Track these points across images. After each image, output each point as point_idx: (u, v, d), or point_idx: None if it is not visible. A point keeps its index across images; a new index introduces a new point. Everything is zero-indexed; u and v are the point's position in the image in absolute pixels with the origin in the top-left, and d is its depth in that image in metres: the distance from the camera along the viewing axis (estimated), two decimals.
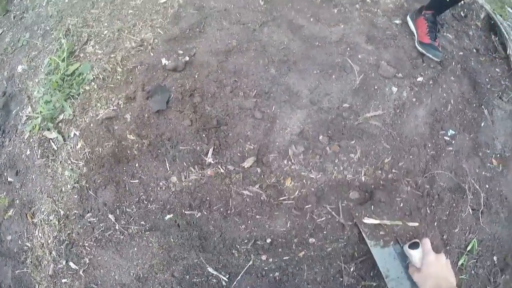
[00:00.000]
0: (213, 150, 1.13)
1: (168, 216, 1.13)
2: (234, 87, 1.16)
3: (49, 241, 1.26)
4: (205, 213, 1.09)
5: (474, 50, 1.52)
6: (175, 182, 1.14)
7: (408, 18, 1.41)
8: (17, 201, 1.35)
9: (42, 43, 1.76)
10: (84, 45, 1.58)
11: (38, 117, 1.40)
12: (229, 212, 1.09)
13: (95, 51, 1.51)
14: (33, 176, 1.35)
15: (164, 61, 1.30)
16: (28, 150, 1.40)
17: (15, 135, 1.47)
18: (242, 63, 1.22)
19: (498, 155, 1.32)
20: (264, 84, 1.18)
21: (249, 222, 1.07)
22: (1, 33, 2.06)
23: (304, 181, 1.11)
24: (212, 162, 1.12)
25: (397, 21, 1.41)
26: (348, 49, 1.26)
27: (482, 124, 1.33)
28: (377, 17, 1.40)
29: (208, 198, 1.10)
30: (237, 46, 1.24)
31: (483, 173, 1.25)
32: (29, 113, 1.47)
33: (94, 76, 1.40)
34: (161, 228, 1.11)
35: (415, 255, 0.74)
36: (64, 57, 1.50)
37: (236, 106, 1.14)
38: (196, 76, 1.22)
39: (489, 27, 1.66)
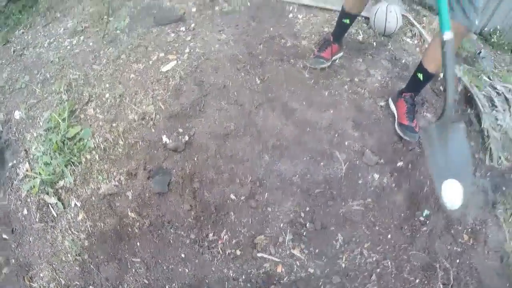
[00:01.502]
0: (212, 235, 1.16)
1: None
2: (231, 173, 1.20)
3: None
4: None
5: None
6: (178, 263, 1.17)
7: (390, 101, 1.48)
8: (13, 260, 1.31)
9: (42, 91, 1.73)
10: (85, 106, 1.57)
11: (36, 177, 1.38)
12: None
13: (95, 115, 1.50)
14: (31, 239, 1.33)
15: (165, 138, 1.32)
16: (25, 209, 1.37)
17: (11, 189, 1.44)
18: (239, 148, 1.26)
19: (470, 230, 1.40)
20: (259, 171, 1.22)
21: None
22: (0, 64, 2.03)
23: (293, 266, 1.16)
24: (211, 246, 1.16)
25: (382, 103, 1.47)
26: (336, 135, 1.31)
27: None
28: (364, 99, 1.46)
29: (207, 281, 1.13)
30: (234, 130, 1.28)
31: (455, 248, 1.32)
32: (27, 171, 1.44)
33: (95, 145, 1.40)
34: None
35: None
36: (65, 117, 1.49)
37: (233, 193, 1.18)
38: (196, 159, 1.25)
39: (465, 100, 1.74)
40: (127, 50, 1.69)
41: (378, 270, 1.15)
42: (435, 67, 1.27)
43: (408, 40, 1.88)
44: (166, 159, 1.25)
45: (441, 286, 1.22)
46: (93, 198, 1.28)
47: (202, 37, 1.68)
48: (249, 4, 1.88)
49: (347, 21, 1.46)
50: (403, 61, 1.71)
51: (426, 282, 1.21)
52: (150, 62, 1.61)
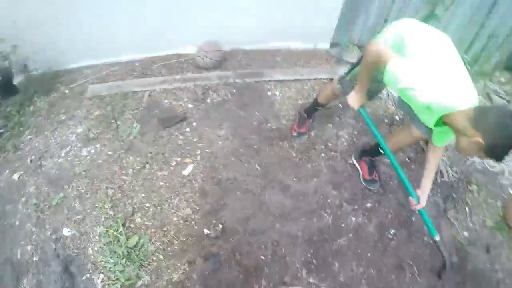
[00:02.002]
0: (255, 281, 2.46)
1: None
2: (258, 242, 2.48)
3: None
4: None
5: (407, 159, 2.88)
6: None
7: (353, 159, 2.75)
8: None
9: (82, 206, 2.72)
10: (131, 217, 2.79)
11: (116, 283, 2.44)
12: None
13: (144, 223, 2.69)
14: None
15: (206, 231, 2.58)
16: None
17: None
18: (258, 223, 2.53)
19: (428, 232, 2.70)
20: (275, 235, 2.50)
21: None
22: (19, 177, 2.89)
23: None
24: None
25: (350, 161, 2.75)
26: (321, 197, 2.59)
27: (413, 218, 2.70)
28: (337, 161, 2.72)
29: None
30: (252, 213, 2.55)
31: (418, 251, 2.62)
32: (104, 280, 2.46)
33: (155, 247, 2.61)
34: None
35: None
36: (121, 231, 2.58)
37: (262, 255, 2.46)
38: (232, 240, 2.52)
39: None
40: (149, 160, 2.91)
41: (366, 276, 2.44)
42: (393, 149, 2.48)
43: None
44: (212, 245, 2.52)
45: (409, 275, 2.52)
46: (169, 286, 2.55)
47: (206, 136, 2.92)
48: (234, 90, 3.13)
49: (320, 107, 2.71)
50: None
51: (399, 277, 2.51)
52: (172, 168, 2.84)
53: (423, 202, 2.12)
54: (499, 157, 1.51)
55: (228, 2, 3.21)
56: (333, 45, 3.57)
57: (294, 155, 2.78)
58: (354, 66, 2.29)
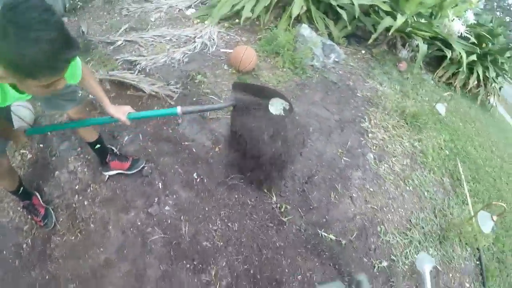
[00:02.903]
0: None
1: None
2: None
3: None
4: None
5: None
6: None
7: (104, 172, 2.34)
8: None
9: None
10: None
11: None
12: None
13: None
14: None
15: None
16: None
17: None
18: None
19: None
20: None
21: None
22: None
23: None
24: None
25: (107, 177, 2.32)
26: (135, 233, 2.20)
27: (193, 149, 2.50)
28: (100, 191, 2.28)
29: None
30: None
31: (228, 161, 2.50)
32: None
33: None
34: None
35: None
36: None
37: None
38: None
39: None
40: None
41: (228, 224, 2.27)
42: (91, 137, 2.14)
43: None
44: None
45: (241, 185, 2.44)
46: None
47: None
48: None
49: (22, 187, 2.15)
50: None
51: (241, 189, 2.41)
52: None
53: (122, 116, 1.80)
54: (55, 65, 1.08)
55: None
56: None
57: (72, 238, 2.22)
58: None
